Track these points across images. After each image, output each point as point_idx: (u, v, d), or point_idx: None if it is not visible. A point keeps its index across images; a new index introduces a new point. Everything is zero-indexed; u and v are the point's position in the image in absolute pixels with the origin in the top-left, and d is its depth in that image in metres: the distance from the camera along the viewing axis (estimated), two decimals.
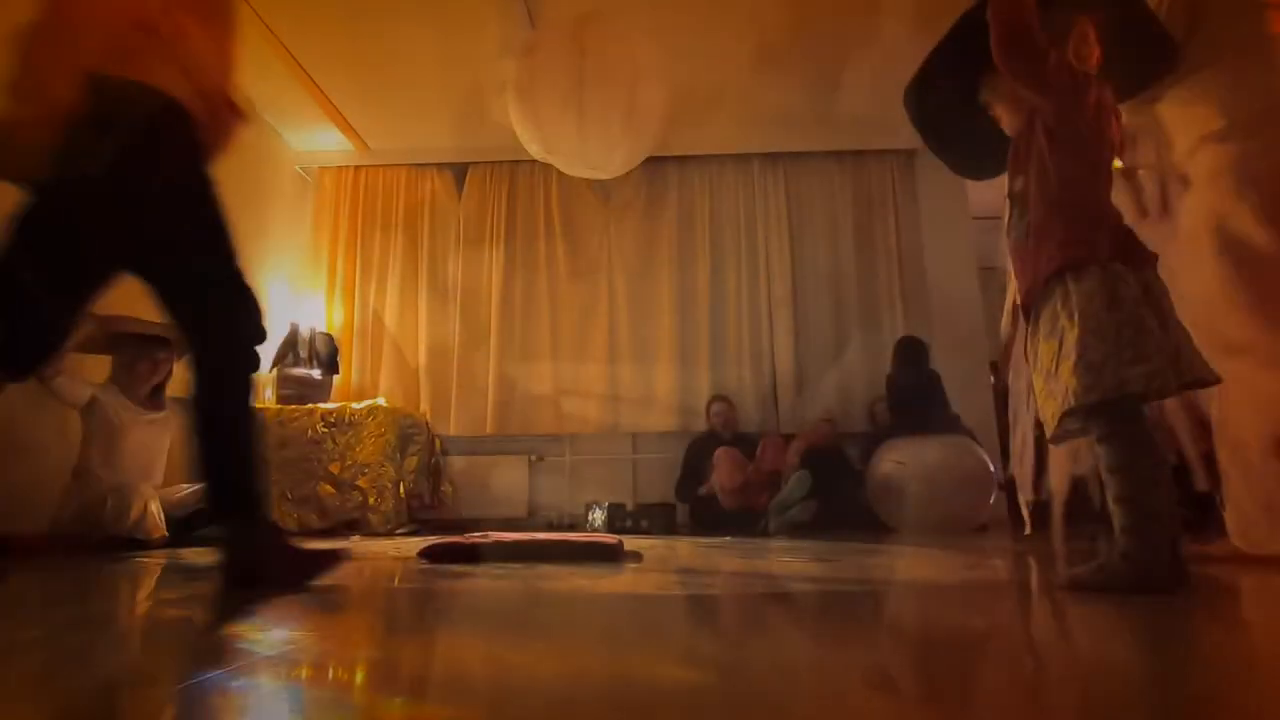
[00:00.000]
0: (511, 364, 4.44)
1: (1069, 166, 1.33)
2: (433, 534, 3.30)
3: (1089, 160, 1.34)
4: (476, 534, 2.38)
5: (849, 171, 4.66)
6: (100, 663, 0.81)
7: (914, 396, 3.74)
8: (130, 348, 2.83)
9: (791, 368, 4.37)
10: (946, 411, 3.72)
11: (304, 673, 0.75)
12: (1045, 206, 1.35)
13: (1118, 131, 1.40)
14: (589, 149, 2.58)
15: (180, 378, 3.01)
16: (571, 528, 4.10)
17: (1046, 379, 1.31)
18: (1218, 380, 1.25)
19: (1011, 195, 1.44)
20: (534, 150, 2.77)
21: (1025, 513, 2.24)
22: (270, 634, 0.98)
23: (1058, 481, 2.19)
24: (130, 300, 3.27)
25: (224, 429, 1.41)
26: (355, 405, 3.88)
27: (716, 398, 4.13)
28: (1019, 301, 1.42)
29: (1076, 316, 1.25)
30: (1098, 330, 1.22)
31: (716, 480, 3.64)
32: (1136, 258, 1.27)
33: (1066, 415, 1.28)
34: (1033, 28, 1.34)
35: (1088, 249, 1.27)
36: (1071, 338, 1.25)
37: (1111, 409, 1.24)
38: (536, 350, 4.47)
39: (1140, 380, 1.18)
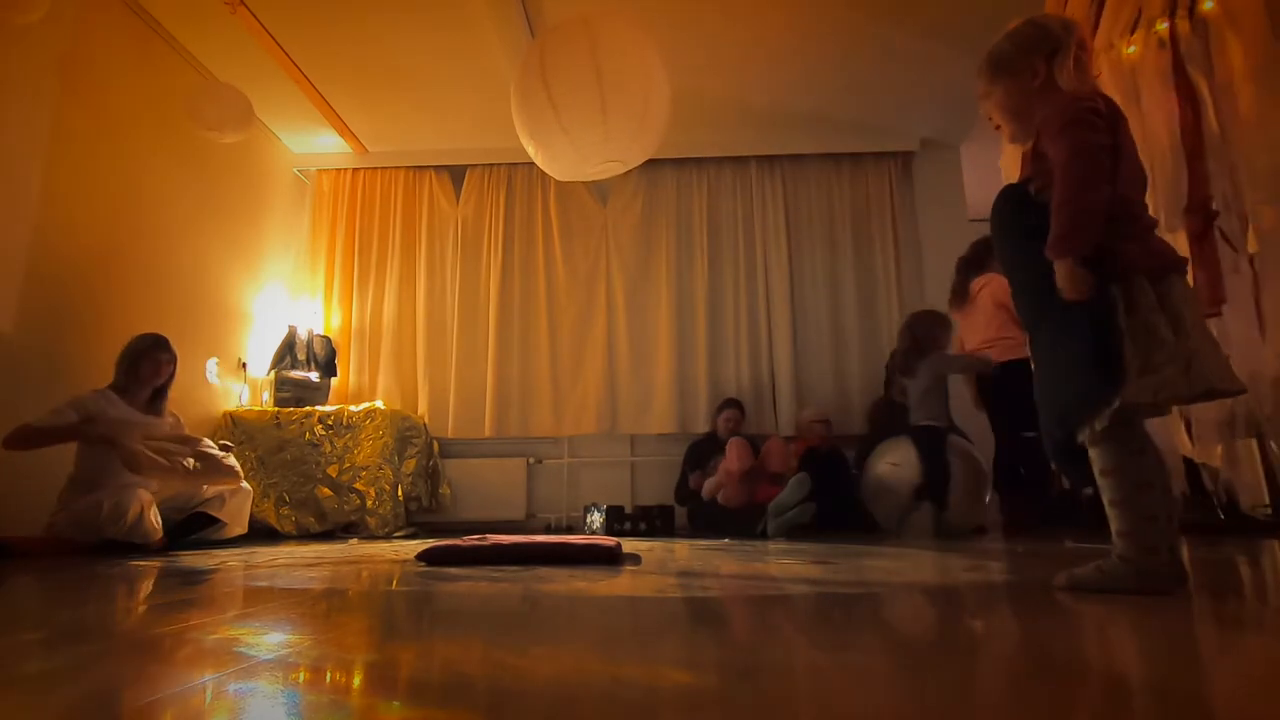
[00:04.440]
0: (510, 366, 4.44)
1: None
2: (431, 537, 3.30)
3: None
4: (474, 537, 2.38)
5: (847, 174, 4.67)
6: (98, 666, 0.81)
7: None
8: (135, 348, 2.82)
9: (790, 370, 4.37)
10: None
11: (302, 676, 0.75)
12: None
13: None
14: (610, 146, 2.56)
15: (181, 382, 3.03)
16: (570, 530, 4.10)
17: None
18: (1240, 390, 1.23)
19: None
20: (543, 164, 2.76)
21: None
22: (268, 637, 0.98)
23: None
24: (136, 303, 3.27)
25: None
26: (353, 408, 3.88)
27: (728, 403, 4.07)
28: None
29: None
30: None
31: (724, 464, 3.61)
32: (1159, 266, 1.24)
33: None
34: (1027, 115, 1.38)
35: (1109, 267, 1.24)
36: None
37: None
38: (535, 352, 4.47)
39: (1147, 391, 1.17)
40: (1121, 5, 2.71)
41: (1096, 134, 1.26)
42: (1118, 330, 1.20)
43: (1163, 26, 2.61)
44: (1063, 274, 1.24)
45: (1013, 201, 1.40)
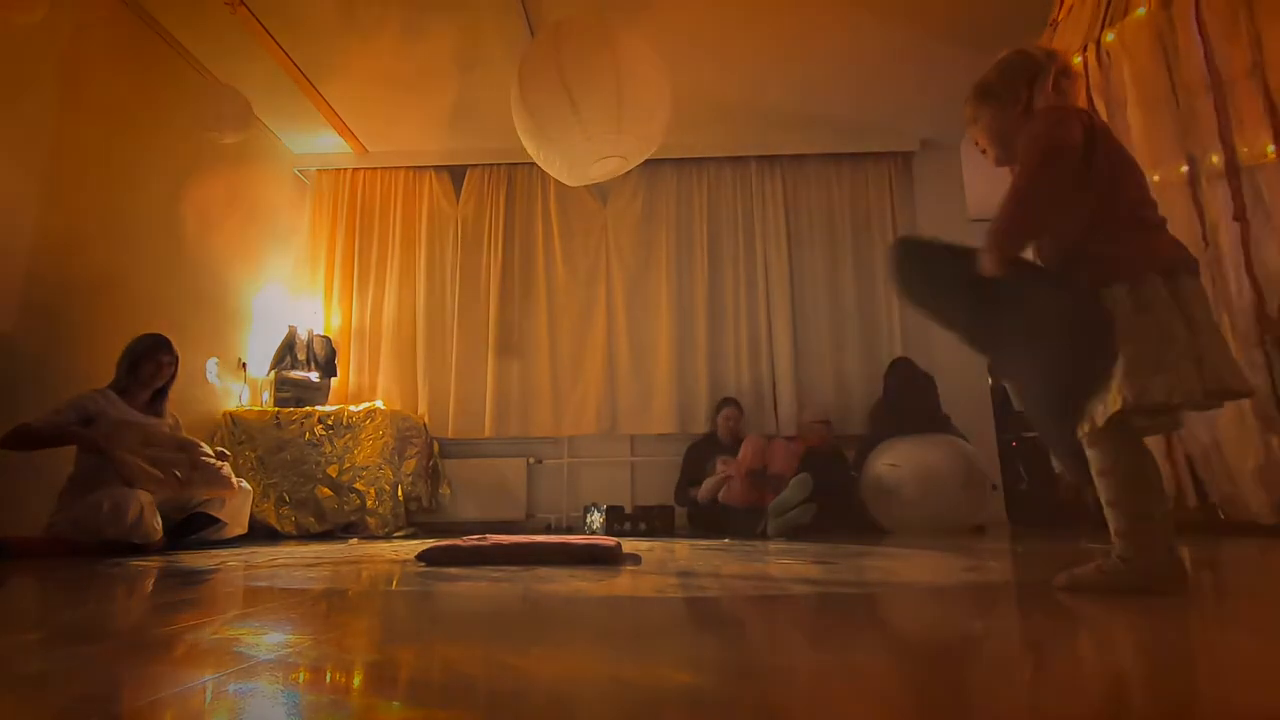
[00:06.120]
0: (509, 366, 4.44)
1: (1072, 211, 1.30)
2: (431, 537, 3.30)
3: (1093, 193, 1.29)
4: (475, 537, 2.38)
5: (846, 174, 4.67)
6: (98, 666, 0.81)
7: (905, 398, 3.77)
8: (136, 348, 2.82)
9: (790, 370, 4.37)
10: (936, 413, 3.73)
11: (302, 676, 0.75)
12: (1057, 251, 1.33)
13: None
14: (594, 143, 2.57)
15: (181, 382, 3.02)
16: (570, 530, 4.10)
17: None
18: (1250, 392, 1.23)
19: None
20: (553, 169, 2.77)
21: None
22: (268, 637, 0.98)
23: None
24: (136, 303, 3.27)
25: None
26: (353, 408, 3.87)
27: (726, 401, 4.08)
28: None
29: None
30: (1121, 338, 1.21)
31: (739, 458, 3.62)
32: (1172, 265, 1.23)
33: None
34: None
35: (1113, 267, 1.24)
36: None
37: None
38: (535, 352, 4.47)
39: (1161, 390, 1.16)
40: (1059, 42, 2.94)
41: (1065, 130, 1.27)
42: (1108, 327, 1.20)
43: (1077, 60, 2.83)
44: (994, 258, 1.27)
45: (918, 249, 1.50)
